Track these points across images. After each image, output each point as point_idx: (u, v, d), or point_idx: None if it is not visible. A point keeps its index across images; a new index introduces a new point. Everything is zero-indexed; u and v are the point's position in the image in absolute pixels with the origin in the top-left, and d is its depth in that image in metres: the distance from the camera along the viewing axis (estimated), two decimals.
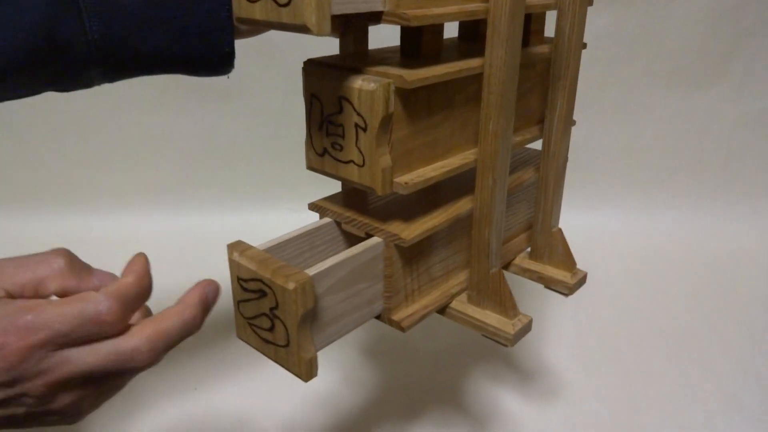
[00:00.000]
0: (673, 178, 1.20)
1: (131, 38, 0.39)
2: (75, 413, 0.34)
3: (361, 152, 0.40)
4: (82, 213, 1.16)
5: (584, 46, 0.52)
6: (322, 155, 0.43)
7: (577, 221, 1.13)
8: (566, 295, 0.56)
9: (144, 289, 0.35)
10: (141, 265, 0.35)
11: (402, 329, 0.45)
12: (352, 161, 0.41)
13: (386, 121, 0.39)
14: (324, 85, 0.40)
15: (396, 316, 0.45)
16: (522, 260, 0.58)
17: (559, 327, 0.84)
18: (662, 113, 1.17)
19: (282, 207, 1.18)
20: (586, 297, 0.88)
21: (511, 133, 0.45)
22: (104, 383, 0.34)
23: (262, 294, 0.38)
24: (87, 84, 0.42)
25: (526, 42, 0.50)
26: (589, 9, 0.51)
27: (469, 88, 0.45)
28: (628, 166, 1.20)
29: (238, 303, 0.41)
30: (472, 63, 0.43)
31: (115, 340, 0.32)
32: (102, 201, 1.18)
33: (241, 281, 0.39)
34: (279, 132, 1.16)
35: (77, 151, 1.17)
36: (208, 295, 0.36)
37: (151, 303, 0.37)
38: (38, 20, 0.36)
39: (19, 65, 0.36)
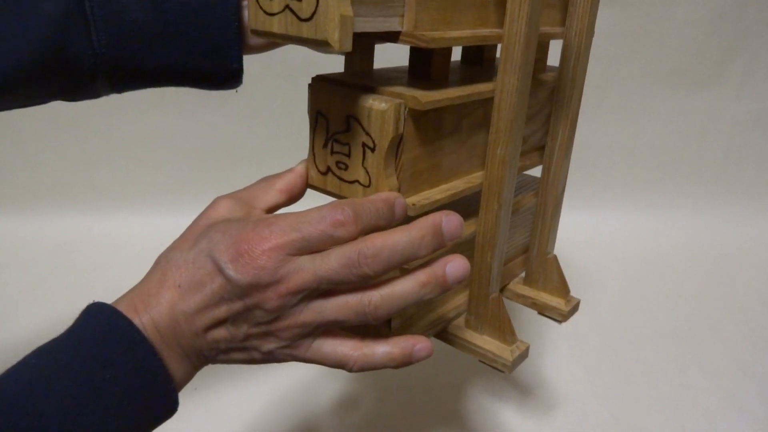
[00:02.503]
0: (673, 178, 1.20)
1: (139, 52, 0.40)
2: (293, 341, 0.34)
3: (367, 173, 0.39)
4: (82, 213, 1.16)
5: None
6: (325, 174, 0.42)
7: (577, 221, 1.13)
8: (560, 322, 0.56)
9: (382, 212, 0.35)
10: (387, 194, 0.37)
11: None
12: (357, 181, 0.40)
13: (395, 142, 0.38)
14: (332, 103, 0.40)
15: None
16: (516, 285, 0.58)
17: (558, 327, 0.84)
18: (662, 113, 1.17)
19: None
20: (585, 297, 0.88)
21: (517, 159, 0.45)
22: (332, 302, 0.34)
23: None
24: (94, 95, 0.42)
25: None
26: None
27: (477, 113, 0.45)
28: (628, 166, 1.20)
29: None
30: (483, 87, 0.43)
31: (342, 246, 0.33)
32: (102, 201, 1.18)
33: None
34: (279, 132, 1.16)
35: (77, 151, 1.17)
36: (444, 224, 0.34)
37: None
38: (46, 33, 0.36)
39: (26, 78, 0.37)
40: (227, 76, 0.43)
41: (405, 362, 0.36)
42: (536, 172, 0.57)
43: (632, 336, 0.84)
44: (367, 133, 0.38)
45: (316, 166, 0.43)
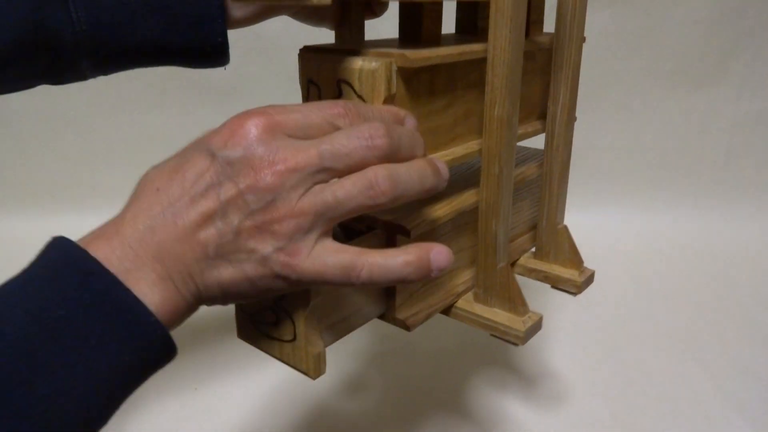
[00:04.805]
0: (673, 178, 1.20)
1: (120, 28, 0.39)
2: (291, 239, 0.29)
3: None
4: (82, 213, 1.16)
5: (583, 39, 0.51)
6: None
7: (577, 221, 1.13)
8: (574, 294, 0.54)
9: (386, 116, 0.34)
10: (394, 107, 0.36)
11: (407, 328, 0.43)
12: None
13: (388, 103, 0.38)
14: (322, 69, 0.39)
15: (401, 315, 0.44)
16: (527, 260, 0.56)
17: (558, 327, 0.84)
18: (662, 113, 1.17)
19: None
20: (585, 297, 0.88)
21: (516, 120, 0.44)
22: (333, 184, 0.30)
23: None
24: (80, 76, 0.41)
25: (526, 32, 0.50)
26: (590, 9, 0.51)
27: (471, 76, 0.44)
28: (628, 166, 1.20)
29: None
30: (476, 47, 0.42)
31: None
32: (102, 201, 1.18)
33: None
34: None
35: (76, 151, 1.17)
36: (437, 162, 0.34)
37: None
38: (25, 11, 0.36)
39: (8, 57, 0.36)
40: (212, 51, 0.42)
41: (423, 269, 0.32)
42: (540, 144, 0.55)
43: (632, 335, 0.84)
44: (359, 96, 0.38)
45: None
